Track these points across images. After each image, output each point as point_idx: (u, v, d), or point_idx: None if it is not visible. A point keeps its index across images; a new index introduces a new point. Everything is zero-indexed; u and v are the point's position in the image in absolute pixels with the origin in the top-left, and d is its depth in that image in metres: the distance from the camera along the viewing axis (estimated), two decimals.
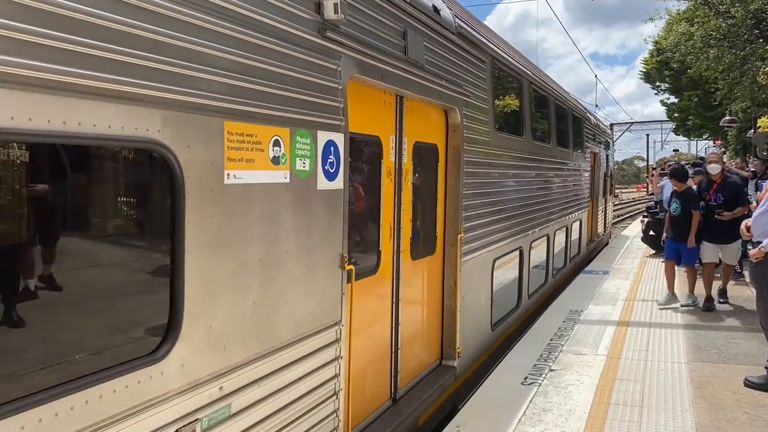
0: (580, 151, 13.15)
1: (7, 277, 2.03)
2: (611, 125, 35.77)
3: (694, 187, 9.17)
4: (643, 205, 35.34)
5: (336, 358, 3.76)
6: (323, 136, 3.52)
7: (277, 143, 3.12)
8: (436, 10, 5.30)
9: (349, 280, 3.87)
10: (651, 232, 14.42)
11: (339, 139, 3.69)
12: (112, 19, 2.21)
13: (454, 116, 5.79)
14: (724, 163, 13.17)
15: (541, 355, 6.87)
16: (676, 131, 53.89)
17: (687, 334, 7.72)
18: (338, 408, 3.81)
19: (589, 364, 6.54)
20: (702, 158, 19.70)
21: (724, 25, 23.27)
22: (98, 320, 2.33)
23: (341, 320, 3.81)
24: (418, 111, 5.17)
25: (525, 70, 8.71)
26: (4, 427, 1.92)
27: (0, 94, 1.86)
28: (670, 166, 11.40)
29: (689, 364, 6.51)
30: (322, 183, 3.55)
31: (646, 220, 15.95)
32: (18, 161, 2.00)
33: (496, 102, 7.22)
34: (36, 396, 2.02)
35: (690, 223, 8.78)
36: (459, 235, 5.86)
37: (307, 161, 3.39)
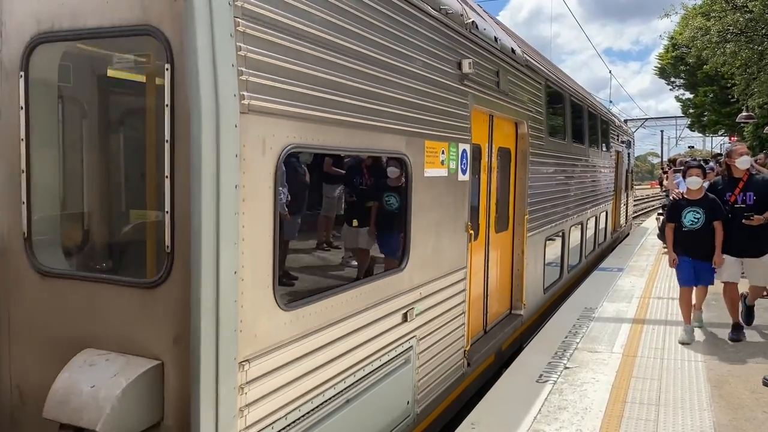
0: (606, 150, 15.06)
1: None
2: (625, 121, 36.39)
3: (706, 184, 7.45)
4: (657, 201, 35.93)
5: (464, 290, 5.81)
6: (461, 147, 5.56)
7: (443, 152, 5.16)
8: (513, 51, 7.30)
9: (469, 240, 5.92)
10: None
11: (467, 148, 5.73)
12: (413, 97, 4.46)
13: (522, 127, 7.81)
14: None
15: (555, 353, 6.83)
16: (691, 127, 53.40)
17: (704, 332, 7.63)
18: (464, 323, 5.87)
19: (604, 362, 6.51)
20: (719, 155, 18.95)
21: (741, 19, 22.81)
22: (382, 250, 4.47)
23: (466, 266, 5.86)
24: (501, 125, 7.19)
25: (566, 85, 10.68)
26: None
27: (393, 138, 4.11)
28: (685, 163, 9.74)
29: (706, 363, 6.47)
30: (460, 176, 5.59)
31: (661, 217, 17.08)
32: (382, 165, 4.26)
33: (548, 113, 9.21)
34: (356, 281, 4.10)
35: (713, 237, 7.07)
36: (525, 216, 7.87)
37: (454, 163, 5.43)
